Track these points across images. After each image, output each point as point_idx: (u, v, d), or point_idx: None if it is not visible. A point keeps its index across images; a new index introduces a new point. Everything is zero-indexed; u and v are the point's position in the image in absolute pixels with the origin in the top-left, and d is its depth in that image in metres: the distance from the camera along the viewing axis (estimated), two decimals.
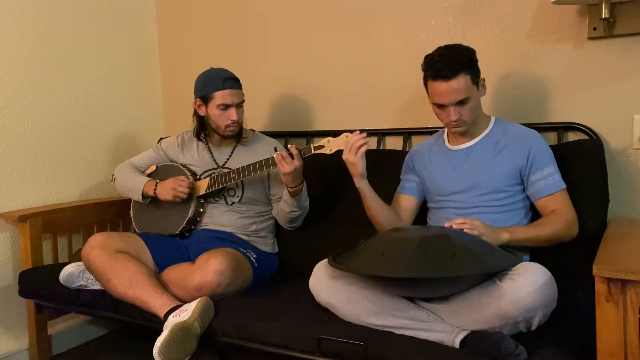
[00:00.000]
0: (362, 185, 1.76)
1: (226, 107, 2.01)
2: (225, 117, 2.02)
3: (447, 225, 1.51)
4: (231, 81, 2.02)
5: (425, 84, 1.68)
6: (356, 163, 1.71)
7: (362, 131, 1.74)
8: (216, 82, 2.01)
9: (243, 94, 2.07)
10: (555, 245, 1.62)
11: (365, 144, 1.71)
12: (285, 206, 2.02)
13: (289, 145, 1.90)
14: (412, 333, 1.41)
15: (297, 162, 1.87)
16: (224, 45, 2.61)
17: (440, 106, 1.65)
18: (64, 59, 2.40)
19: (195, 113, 2.11)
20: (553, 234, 1.60)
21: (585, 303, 1.34)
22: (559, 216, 1.62)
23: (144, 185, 2.08)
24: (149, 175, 2.17)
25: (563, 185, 1.66)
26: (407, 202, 1.85)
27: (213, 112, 2.03)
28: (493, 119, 1.76)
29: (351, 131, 1.85)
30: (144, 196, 2.09)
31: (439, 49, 1.66)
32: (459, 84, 1.60)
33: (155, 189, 2.05)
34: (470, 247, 1.40)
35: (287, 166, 1.86)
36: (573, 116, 1.90)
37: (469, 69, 1.62)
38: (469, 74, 1.62)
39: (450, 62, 1.60)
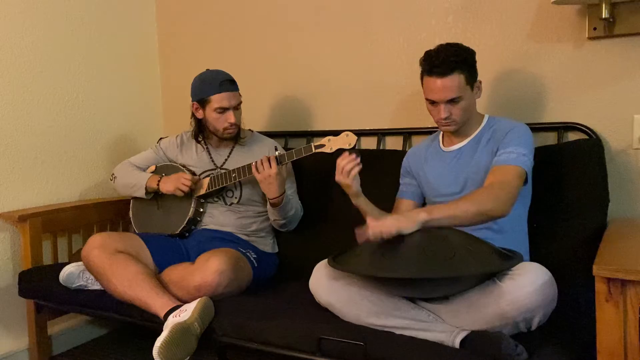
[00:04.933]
0: (359, 202, 1.74)
1: (223, 110, 2.00)
2: (223, 120, 2.02)
3: (360, 241, 1.47)
4: (228, 84, 2.01)
5: (422, 79, 1.69)
6: (349, 185, 1.69)
7: (351, 150, 1.67)
8: (213, 85, 1.99)
9: (240, 95, 2.06)
10: (482, 221, 1.50)
11: (355, 166, 1.66)
12: (269, 213, 2.03)
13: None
14: (412, 333, 1.41)
15: (272, 170, 1.86)
16: (223, 45, 2.61)
17: (433, 102, 1.66)
18: (64, 59, 2.40)
19: (193, 115, 2.10)
20: (478, 209, 1.45)
21: (585, 303, 1.34)
22: (488, 189, 1.51)
23: (148, 180, 2.08)
24: None
25: (519, 164, 1.55)
26: (406, 206, 1.85)
27: (210, 115, 2.02)
28: (486, 117, 1.76)
29: (351, 131, 1.86)
30: (147, 191, 2.09)
31: (439, 46, 1.66)
32: (452, 81, 1.60)
33: (159, 182, 2.06)
34: (470, 247, 1.40)
35: (258, 174, 1.87)
36: (573, 116, 1.90)
37: (465, 69, 1.62)
38: (464, 74, 1.61)
39: (446, 59, 1.60)
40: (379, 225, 1.41)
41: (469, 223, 1.49)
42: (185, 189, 2.00)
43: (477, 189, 1.57)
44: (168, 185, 2.03)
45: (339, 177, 1.69)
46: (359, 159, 1.67)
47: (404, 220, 1.42)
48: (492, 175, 1.58)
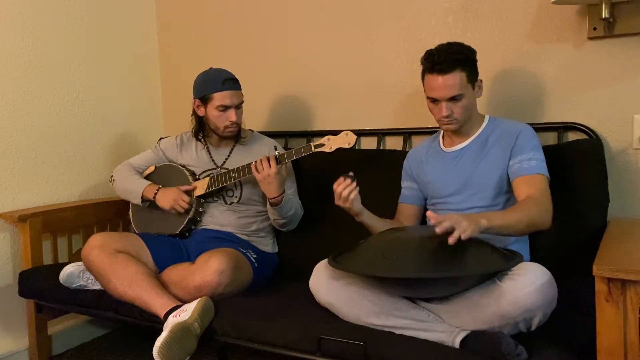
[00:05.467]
0: (362, 219, 1.73)
1: (225, 108, 2.01)
2: (224, 118, 2.02)
3: (438, 231, 1.33)
4: (231, 82, 2.01)
5: (423, 78, 1.69)
6: (349, 208, 1.68)
7: (346, 177, 1.65)
8: (216, 83, 2.00)
9: (242, 95, 2.06)
10: (530, 233, 1.55)
11: (352, 191, 1.64)
12: (269, 213, 2.03)
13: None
14: (412, 333, 1.41)
15: (271, 170, 1.86)
16: (223, 45, 2.61)
17: (434, 101, 1.66)
18: (64, 59, 2.40)
19: (194, 113, 2.10)
20: (529, 220, 1.49)
21: (585, 303, 1.33)
22: (533, 201, 1.54)
23: (144, 190, 2.08)
24: (147, 176, 2.17)
25: (543, 172, 1.60)
26: (408, 210, 1.86)
27: (212, 113, 2.03)
28: (487, 118, 1.76)
29: (351, 131, 1.85)
30: (143, 200, 2.09)
31: (440, 44, 1.67)
32: (454, 79, 1.60)
33: (155, 194, 2.05)
34: (470, 247, 1.40)
35: (258, 174, 1.87)
36: (573, 116, 1.90)
37: (466, 67, 1.62)
38: (465, 72, 1.62)
39: (448, 57, 1.60)
40: (451, 219, 1.33)
41: (518, 233, 1.53)
42: (181, 210, 2.00)
43: (523, 201, 1.55)
44: (164, 202, 2.02)
45: (338, 202, 1.68)
46: (354, 183, 1.65)
47: (469, 222, 1.35)
48: (525, 186, 1.58)
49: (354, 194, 1.65)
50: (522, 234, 1.56)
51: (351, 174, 1.66)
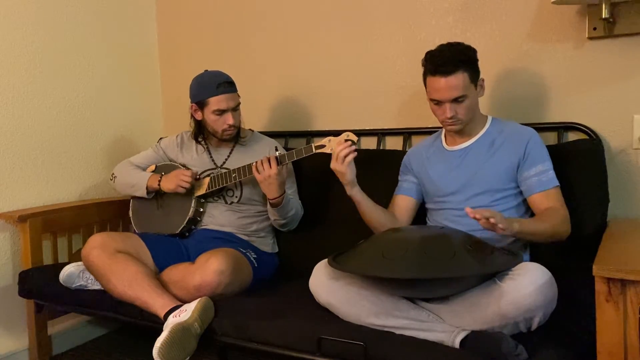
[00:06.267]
0: (354, 192, 1.75)
1: (222, 112, 2.00)
2: (221, 122, 2.02)
3: (478, 217, 1.38)
4: (226, 85, 2.00)
5: (424, 80, 1.69)
6: (344, 172, 1.70)
7: (352, 142, 1.70)
8: (210, 87, 1.99)
9: (239, 96, 2.05)
10: (552, 243, 1.60)
11: (350, 152, 1.68)
12: (269, 213, 2.03)
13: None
14: (412, 333, 1.41)
15: (272, 171, 1.86)
16: (223, 45, 2.61)
17: (437, 102, 1.66)
18: (64, 59, 2.40)
19: (192, 116, 2.10)
20: (553, 230, 1.55)
21: (585, 303, 1.34)
22: (556, 213, 1.59)
23: (148, 179, 2.08)
24: None
25: (557, 182, 1.64)
26: (404, 202, 1.85)
27: (209, 117, 2.02)
28: (490, 118, 1.76)
29: (351, 131, 1.86)
30: (148, 191, 2.09)
31: (441, 45, 1.67)
32: (457, 80, 1.60)
33: (159, 182, 2.05)
34: (470, 247, 1.40)
35: (258, 175, 1.88)
36: (573, 116, 1.90)
37: (468, 67, 1.62)
38: (468, 72, 1.62)
39: (450, 58, 1.60)
40: (489, 213, 1.39)
41: (542, 241, 1.58)
42: (187, 185, 2.00)
43: (547, 212, 1.59)
44: (169, 183, 2.03)
45: (333, 164, 1.70)
46: (354, 147, 1.68)
47: (506, 222, 1.41)
48: (546, 200, 1.62)
49: (351, 157, 1.69)
50: (545, 242, 1.60)
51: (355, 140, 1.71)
